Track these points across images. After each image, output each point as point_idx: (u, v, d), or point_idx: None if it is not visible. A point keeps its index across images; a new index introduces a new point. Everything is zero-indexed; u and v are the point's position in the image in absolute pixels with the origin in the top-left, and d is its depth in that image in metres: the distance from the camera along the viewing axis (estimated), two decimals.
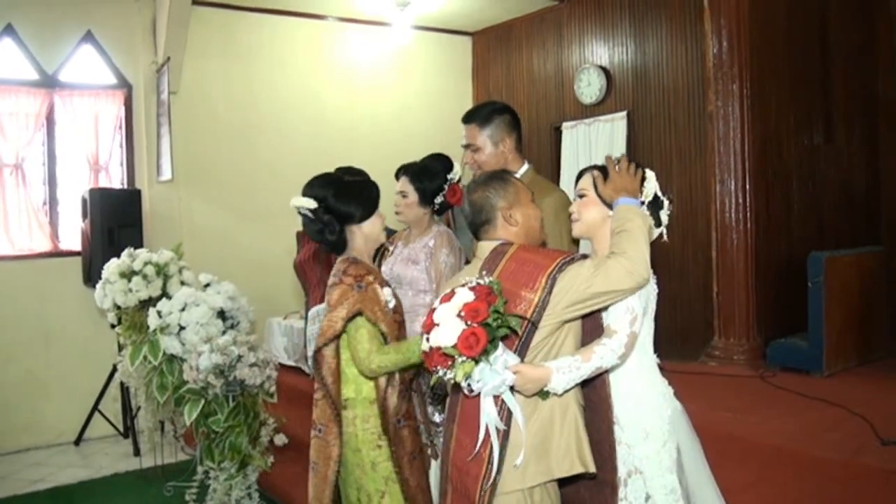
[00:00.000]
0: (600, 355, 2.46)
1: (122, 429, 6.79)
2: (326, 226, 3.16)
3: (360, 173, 3.46)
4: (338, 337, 3.01)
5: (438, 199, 3.89)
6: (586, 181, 2.75)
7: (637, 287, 2.42)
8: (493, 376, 2.32)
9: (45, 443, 6.72)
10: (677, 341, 6.36)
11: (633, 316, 2.51)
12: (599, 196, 2.68)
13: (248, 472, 4.43)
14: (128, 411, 6.61)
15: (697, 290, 6.57)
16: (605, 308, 2.52)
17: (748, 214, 5.95)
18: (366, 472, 3.07)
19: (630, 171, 2.64)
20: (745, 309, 5.94)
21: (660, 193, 2.73)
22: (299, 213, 3.24)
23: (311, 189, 3.21)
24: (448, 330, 2.28)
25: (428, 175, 3.88)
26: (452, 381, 2.37)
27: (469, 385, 2.36)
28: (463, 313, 2.28)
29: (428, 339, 2.33)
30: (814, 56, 6.59)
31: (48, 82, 6.89)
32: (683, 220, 6.65)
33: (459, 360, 2.26)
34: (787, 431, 4.32)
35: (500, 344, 2.32)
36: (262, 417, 4.47)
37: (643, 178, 2.69)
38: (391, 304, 3.10)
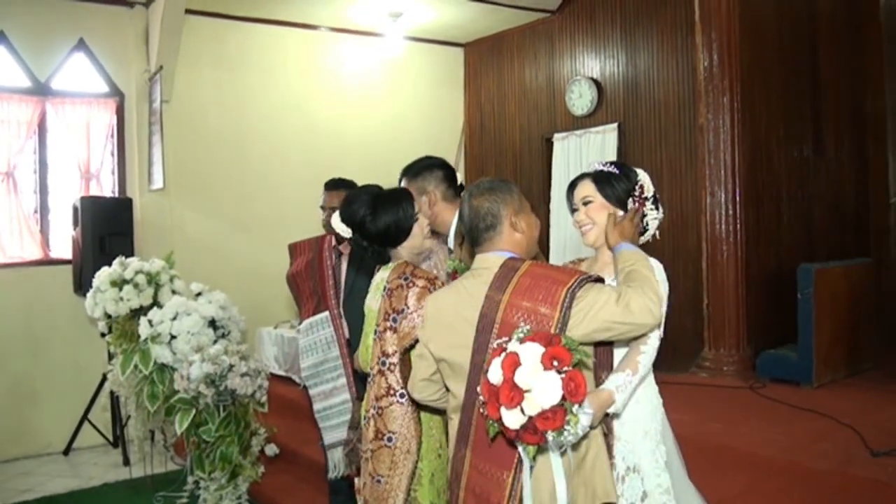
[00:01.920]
0: (644, 363, 2.48)
1: (111, 438, 6.76)
2: (367, 250, 3.11)
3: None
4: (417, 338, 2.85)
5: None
6: (588, 188, 2.75)
7: (654, 326, 2.37)
8: (584, 419, 2.14)
9: (34, 452, 6.68)
10: (667, 352, 6.34)
11: (662, 319, 2.52)
12: (606, 199, 2.72)
13: (238, 483, 4.41)
14: (118, 421, 6.58)
15: (688, 301, 6.59)
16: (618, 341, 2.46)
17: (738, 226, 5.99)
18: (423, 483, 2.92)
19: (636, 220, 2.69)
20: (735, 320, 5.97)
21: (653, 188, 2.81)
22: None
23: (345, 213, 3.11)
24: (546, 388, 2.05)
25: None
26: (569, 442, 2.15)
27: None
28: (554, 363, 2.07)
29: (523, 412, 2.07)
30: (803, 70, 6.65)
31: (40, 90, 6.89)
32: (674, 232, 6.68)
33: (574, 410, 2.06)
34: (778, 442, 4.34)
35: None
36: (253, 427, 4.47)
37: (636, 183, 2.74)
38: None
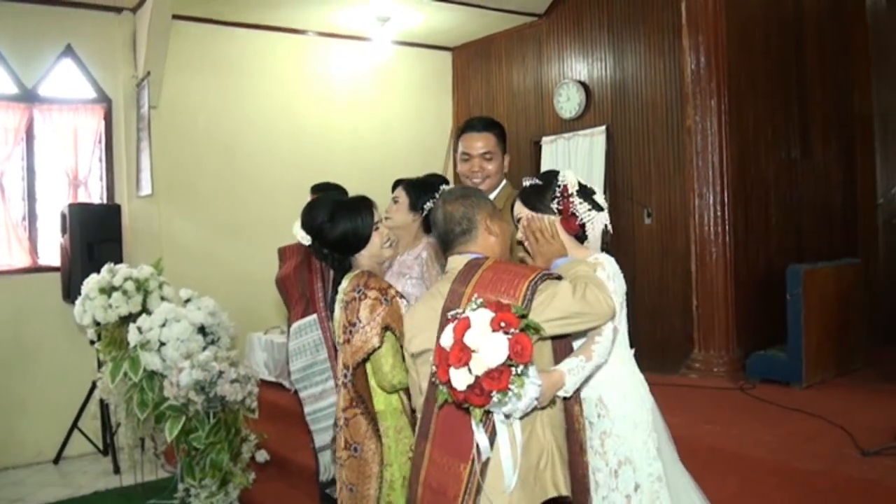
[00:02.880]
0: (599, 352, 2.50)
1: (101, 446, 6.72)
2: (327, 257, 3.14)
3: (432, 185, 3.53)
4: (374, 351, 2.91)
5: (428, 205, 3.96)
6: (517, 206, 2.86)
7: (608, 318, 2.46)
8: (531, 388, 2.20)
9: (24, 462, 6.64)
10: (657, 354, 6.39)
11: (616, 311, 2.56)
12: (534, 210, 2.80)
13: (229, 490, 4.41)
14: (107, 429, 6.55)
15: (677, 303, 6.60)
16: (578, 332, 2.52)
17: (727, 228, 6.00)
18: (395, 488, 2.95)
19: (547, 234, 2.73)
20: (724, 321, 5.99)
21: (583, 182, 2.82)
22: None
23: (304, 219, 3.18)
24: (492, 347, 2.13)
25: (424, 187, 3.95)
26: (516, 407, 2.21)
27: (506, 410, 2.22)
28: (501, 324, 2.15)
29: (470, 371, 2.14)
30: (790, 72, 6.67)
31: (27, 96, 6.86)
32: (662, 234, 6.69)
33: (517, 370, 2.13)
34: (768, 443, 4.35)
35: None
36: (244, 434, 4.46)
37: (557, 184, 2.77)
38: None
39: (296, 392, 4.75)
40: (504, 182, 3.58)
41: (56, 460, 6.70)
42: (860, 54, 7.26)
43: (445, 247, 2.66)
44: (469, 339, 2.17)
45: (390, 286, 3.01)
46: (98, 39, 7.13)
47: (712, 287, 6.02)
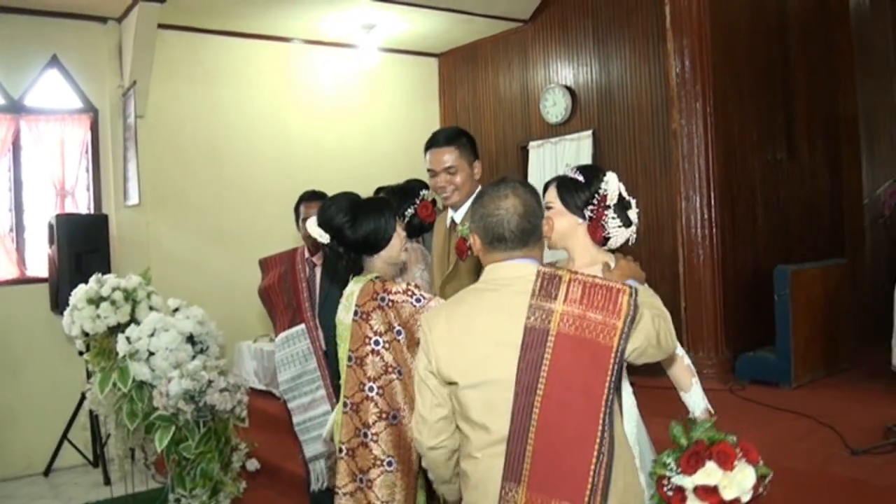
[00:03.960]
0: (689, 363, 2.71)
1: (91, 458, 6.69)
2: (342, 257, 2.99)
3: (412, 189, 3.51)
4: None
5: (409, 211, 3.97)
6: (551, 193, 2.77)
7: (671, 354, 2.48)
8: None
9: (14, 474, 6.60)
10: None
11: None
12: (564, 205, 2.72)
13: (220, 499, 4.38)
14: (97, 440, 6.51)
15: (665, 305, 6.59)
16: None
17: (714, 230, 6.03)
18: None
19: (630, 265, 2.69)
20: (713, 323, 6.01)
21: (625, 194, 2.76)
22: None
23: (324, 216, 2.98)
24: (741, 476, 2.21)
25: (404, 193, 3.96)
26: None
27: None
28: (733, 460, 2.22)
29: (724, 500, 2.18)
30: (775, 74, 6.71)
31: (14, 107, 6.83)
32: (650, 237, 6.71)
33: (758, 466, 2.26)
34: (758, 443, 4.35)
35: None
36: (234, 443, 4.44)
37: (597, 191, 2.71)
38: None
39: (285, 402, 4.74)
40: (479, 189, 3.57)
41: (46, 472, 6.66)
42: (844, 55, 7.31)
43: (503, 241, 2.23)
44: (722, 487, 2.17)
45: (411, 284, 2.90)
46: (84, 49, 7.11)
47: (700, 289, 6.04)
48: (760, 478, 2.18)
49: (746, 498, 2.16)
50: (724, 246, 6.07)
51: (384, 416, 2.83)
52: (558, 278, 2.13)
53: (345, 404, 2.90)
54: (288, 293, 4.68)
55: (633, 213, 2.78)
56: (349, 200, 3.00)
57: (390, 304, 2.81)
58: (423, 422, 2.29)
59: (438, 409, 2.25)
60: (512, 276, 2.21)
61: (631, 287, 2.12)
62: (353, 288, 2.94)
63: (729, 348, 6.03)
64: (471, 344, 2.18)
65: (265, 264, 4.92)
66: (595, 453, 2.02)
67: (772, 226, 6.57)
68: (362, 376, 2.85)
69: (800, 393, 5.49)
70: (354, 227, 2.90)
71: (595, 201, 2.71)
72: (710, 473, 2.15)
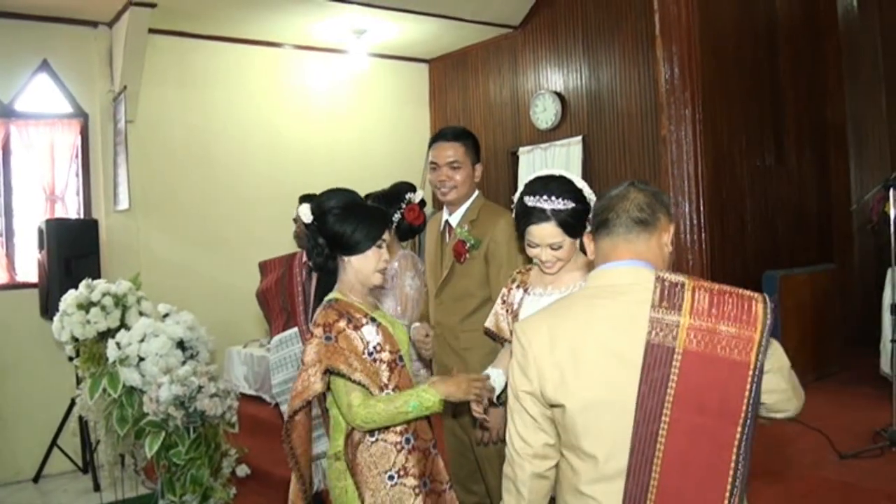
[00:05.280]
0: None
1: (81, 464, 6.67)
2: (316, 245, 2.80)
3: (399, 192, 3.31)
4: (315, 396, 2.64)
5: (395, 217, 3.97)
6: (553, 233, 2.65)
7: (796, 412, 2.10)
8: None
9: (3, 481, 6.58)
10: None
11: None
12: (572, 237, 2.67)
13: None
14: (87, 446, 6.49)
15: None
16: None
17: (703, 235, 6.05)
18: None
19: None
20: None
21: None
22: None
23: (318, 198, 2.85)
24: None
25: (390, 198, 3.96)
26: None
27: None
28: None
29: None
30: (764, 80, 6.74)
31: (4, 112, 6.82)
32: None
33: None
34: None
35: None
36: (224, 448, 4.44)
37: (588, 209, 2.64)
38: (373, 343, 2.69)
39: (276, 405, 4.74)
40: (477, 193, 3.57)
41: (35, 479, 6.64)
42: (833, 62, 7.36)
43: (609, 228, 2.00)
44: None
45: (342, 316, 2.69)
46: (74, 54, 7.11)
47: None
48: None
49: None
50: (713, 251, 6.09)
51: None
52: (681, 285, 1.90)
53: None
54: (283, 296, 4.69)
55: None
56: (352, 196, 2.87)
57: (309, 335, 2.69)
58: (525, 448, 1.99)
59: (541, 433, 1.98)
60: (626, 281, 1.94)
61: (763, 294, 1.90)
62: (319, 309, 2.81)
63: None
64: (582, 362, 1.91)
65: (264, 267, 4.93)
66: (728, 486, 1.79)
67: (761, 231, 6.60)
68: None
69: None
70: (338, 217, 2.74)
71: (589, 220, 2.70)
72: None
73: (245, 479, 4.90)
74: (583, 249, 2.75)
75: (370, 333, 2.70)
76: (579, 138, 7.54)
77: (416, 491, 2.67)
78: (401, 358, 2.77)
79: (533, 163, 7.98)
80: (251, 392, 6.84)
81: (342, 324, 2.66)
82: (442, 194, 3.50)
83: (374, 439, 2.70)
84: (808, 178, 7.12)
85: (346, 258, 2.77)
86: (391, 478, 2.67)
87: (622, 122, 7.20)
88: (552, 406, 1.94)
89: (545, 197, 2.63)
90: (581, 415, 1.89)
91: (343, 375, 2.60)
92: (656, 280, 1.90)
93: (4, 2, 6.55)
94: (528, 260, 3.04)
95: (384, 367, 2.70)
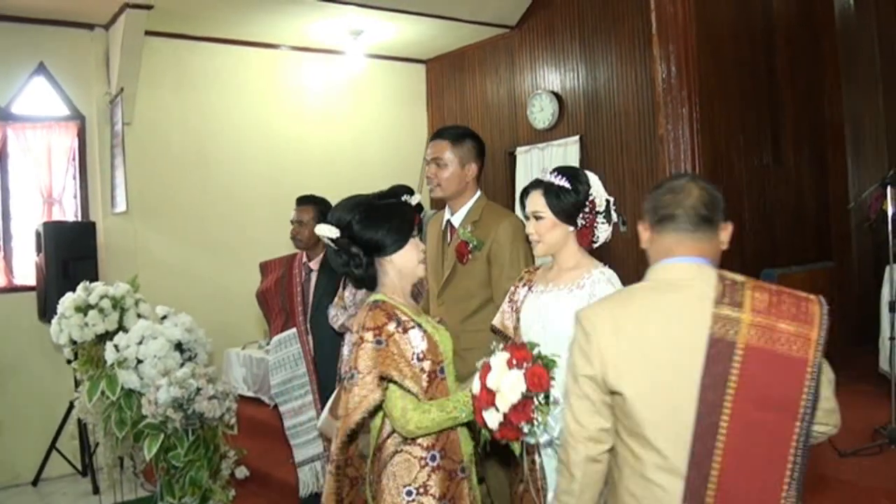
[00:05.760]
0: None
1: (80, 467, 6.66)
2: (352, 258, 2.66)
3: (395, 194, 3.15)
4: (375, 406, 2.49)
5: None
6: (538, 201, 2.77)
7: (833, 431, 2.09)
8: (556, 419, 2.25)
9: (2, 484, 6.57)
10: None
11: None
12: (556, 216, 2.73)
13: None
14: (86, 449, 6.48)
15: None
16: None
17: None
18: None
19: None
20: None
21: (606, 196, 2.80)
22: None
23: (334, 213, 2.70)
24: (510, 383, 2.21)
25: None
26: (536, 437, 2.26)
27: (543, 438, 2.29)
28: (514, 361, 2.23)
29: (497, 410, 2.22)
30: (761, 79, 6.74)
31: (0, 115, 6.81)
32: (637, 243, 6.71)
33: (539, 399, 2.20)
34: None
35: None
36: (223, 450, 4.43)
37: (587, 198, 2.75)
38: (418, 350, 2.59)
39: (275, 406, 4.74)
40: (479, 194, 3.57)
41: (35, 482, 6.63)
42: (830, 61, 7.35)
43: (671, 222, 2.08)
44: (490, 381, 2.24)
45: (391, 318, 2.56)
46: (71, 56, 7.10)
47: None
48: (528, 398, 2.20)
49: (506, 407, 2.22)
50: None
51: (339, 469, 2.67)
52: (741, 284, 1.98)
53: None
54: (283, 297, 4.70)
55: (613, 211, 2.82)
56: (364, 198, 2.77)
57: (360, 341, 2.54)
58: (580, 431, 2.00)
59: (598, 417, 1.99)
60: (688, 276, 2.01)
61: (818, 296, 1.97)
62: (360, 313, 2.69)
63: None
64: (644, 352, 1.95)
65: (265, 267, 4.95)
66: (787, 481, 1.85)
67: (758, 230, 6.59)
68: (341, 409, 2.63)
69: None
70: (364, 222, 2.63)
71: (586, 209, 2.73)
72: (497, 368, 2.25)
73: (244, 481, 4.90)
74: (590, 250, 2.76)
75: (416, 339, 2.60)
76: (576, 138, 7.54)
77: None
78: (442, 370, 2.66)
79: (530, 163, 7.97)
80: (250, 394, 6.83)
81: (392, 326, 2.55)
82: (430, 190, 3.52)
83: (397, 450, 2.60)
84: (806, 177, 7.12)
85: (385, 260, 2.66)
86: (409, 493, 2.55)
87: (619, 121, 7.20)
88: (612, 393, 1.96)
89: (547, 173, 2.77)
90: (643, 404, 1.92)
91: (395, 382, 2.50)
92: (718, 277, 1.97)
93: (0, 5, 6.54)
94: (532, 261, 3.05)
95: (424, 376, 2.58)
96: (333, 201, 4.89)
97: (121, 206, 7.01)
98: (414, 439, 2.57)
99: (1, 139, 6.84)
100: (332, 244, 2.68)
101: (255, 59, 8.12)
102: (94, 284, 5.23)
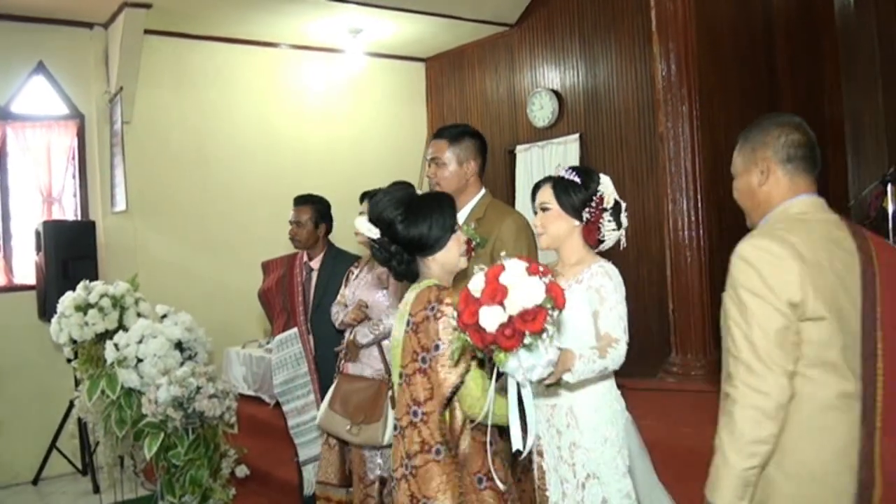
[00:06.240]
0: (612, 357, 2.50)
1: (80, 466, 6.66)
2: (394, 256, 2.62)
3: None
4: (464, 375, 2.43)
5: None
6: (547, 193, 2.79)
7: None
8: (552, 350, 2.11)
9: (2, 483, 6.57)
10: (635, 358, 6.39)
11: (625, 324, 2.61)
12: (562, 207, 2.74)
13: None
14: (86, 448, 6.48)
15: (654, 307, 6.64)
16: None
17: (701, 232, 6.05)
18: None
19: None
20: (700, 325, 6.02)
21: (617, 197, 2.81)
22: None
23: (375, 209, 2.63)
24: (531, 286, 2.03)
25: None
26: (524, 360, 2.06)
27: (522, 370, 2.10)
28: (540, 269, 2.06)
29: (505, 309, 2.02)
30: (761, 77, 6.74)
31: (0, 114, 6.81)
32: (637, 240, 6.73)
33: (553, 315, 2.03)
34: None
35: None
36: (223, 449, 4.43)
37: (594, 193, 2.75)
38: None
39: (276, 405, 4.74)
40: (483, 191, 3.56)
41: (35, 481, 6.63)
42: (830, 58, 7.35)
43: (810, 162, 2.24)
44: (505, 279, 2.06)
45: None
46: (70, 55, 7.09)
47: (688, 291, 6.06)
48: (544, 310, 2.03)
49: (517, 309, 2.03)
50: (711, 248, 6.09)
51: (426, 448, 2.46)
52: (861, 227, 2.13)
53: (395, 426, 2.61)
54: (284, 296, 4.70)
55: (624, 216, 2.83)
56: (404, 193, 2.68)
57: (439, 314, 2.46)
58: (771, 374, 1.96)
59: (786, 358, 1.97)
60: (823, 211, 2.16)
61: None
62: (408, 297, 2.62)
63: (717, 350, 6.02)
64: (824, 276, 2.00)
65: (267, 267, 4.95)
66: None
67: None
68: (409, 398, 2.50)
69: None
70: (407, 222, 2.57)
71: (593, 204, 2.73)
72: (514, 270, 2.09)
73: (244, 480, 4.88)
74: (592, 246, 2.76)
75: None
76: (576, 136, 7.53)
77: (504, 498, 2.51)
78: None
79: (530, 161, 7.98)
80: (250, 392, 6.83)
81: None
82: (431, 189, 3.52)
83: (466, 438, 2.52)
84: None
85: (429, 259, 2.62)
86: (479, 480, 2.48)
87: (619, 119, 7.19)
88: (806, 320, 1.98)
89: (562, 170, 2.82)
90: (834, 327, 1.97)
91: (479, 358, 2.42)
92: (837, 214, 2.13)
93: (0, 4, 6.53)
94: (535, 257, 3.04)
95: None
96: (333, 199, 4.91)
97: (120, 206, 7.00)
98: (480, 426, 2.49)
99: (0, 138, 6.84)
100: (372, 242, 2.65)
101: (254, 57, 8.11)
102: (93, 283, 5.22)
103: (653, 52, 6.28)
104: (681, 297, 6.10)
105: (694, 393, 5.64)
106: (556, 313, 2.06)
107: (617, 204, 2.80)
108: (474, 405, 2.41)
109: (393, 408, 2.71)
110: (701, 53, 6.09)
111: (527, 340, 2.03)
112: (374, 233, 2.61)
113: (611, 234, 2.79)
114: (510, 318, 2.02)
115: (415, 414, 2.47)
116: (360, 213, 3.90)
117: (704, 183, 6.07)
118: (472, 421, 2.46)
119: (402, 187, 2.80)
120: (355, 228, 2.67)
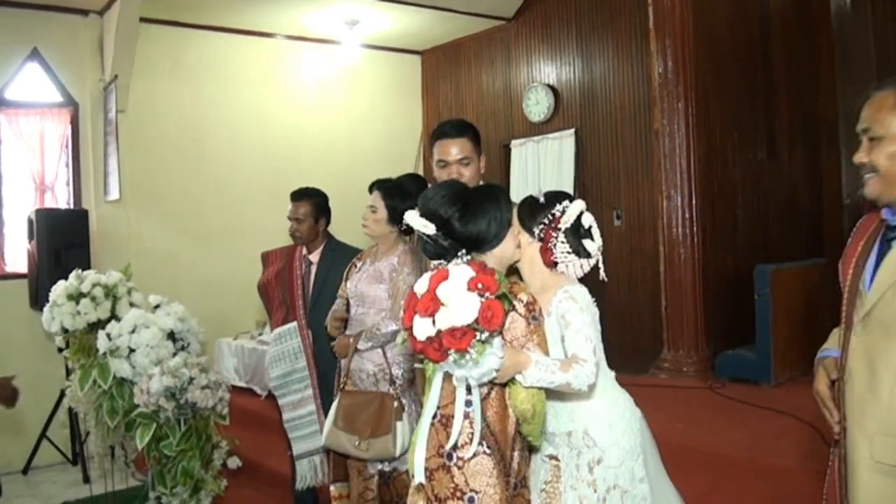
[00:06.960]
0: (576, 374, 2.35)
1: (71, 456, 6.64)
2: (448, 251, 2.50)
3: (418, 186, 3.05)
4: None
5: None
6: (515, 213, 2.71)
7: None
8: (491, 359, 2.12)
9: None
10: (627, 355, 6.43)
11: (593, 345, 2.47)
12: (521, 223, 2.66)
13: (201, 497, 4.36)
14: (77, 437, 6.47)
15: (646, 303, 6.65)
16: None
17: (695, 229, 6.06)
18: None
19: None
20: (693, 322, 6.04)
21: (587, 223, 2.65)
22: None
23: (428, 205, 2.53)
24: (463, 305, 2.05)
25: (401, 193, 3.86)
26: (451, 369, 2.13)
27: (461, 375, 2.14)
28: (479, 286, 2.07)
29: (434, 323, 2.06)
30: (757, 75, 6.75)
31: None
32: (631, 236, 6.74)
33: (480, 336, 2.05)
34: (739, 441, 4.40)
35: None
36: (215, 440, 4.42)
37: (551, 210, 2.64)
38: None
39: (268, 396, 4.72)
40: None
41: (25, 471, 6.61)
42: (825, 57, 7.36)
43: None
44: (441, 291, 2.09)
45: (533, 299, 2.47)
46: (65, 43, 7.05)
47: (681, 287, 6.08)
48: (473, 330, 2.06)
49: (445, 325, 2.08)
50: (704, 245, 6.11)
51: (472, 439, 2.38)
52: None
53: (434, 415, 2.48)
54: (283, 289, 4.68)
55: (591, 245, 2.65)
56: (459, 189, 2.60)
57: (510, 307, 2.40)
58: None
59: None
60: None
61: None
62: None
63: (709, 346, 6.07)
64: None
65: (266, 258, 4.93)
66: None
67: (752, 225, 6.61)
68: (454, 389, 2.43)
69: (779, 390, 5.53)
70: (464, 218, 2.49)
71: (546, 221, 2.63)
72: (455, 281, 2.13)
73: (236, 471, 4.88)
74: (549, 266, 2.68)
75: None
76: (572, 131, 7.53)
77: None
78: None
79: (525, 155, 7.97)
80: (242, 384, 6.82)
81: (539, 307, 2.48)
82: None
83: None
84: (800, 173, 7.14)
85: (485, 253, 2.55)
86: (514, 486, 2.47)
87: (615, 115, 7.19)
88: None
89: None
90: None
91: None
92: None
93: None
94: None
95: None
96: (329, 190, 4.88)
97: (114, 194, 6.97)
98: None
99: None
100: (426, 237, 2.55)
101: (250, 47, 8.08)
102: (86, 272, 5.20)
103: (649, 49, 6.29)
104: (674, 293, 6.12)
105: (685, 389, 5.66)
106: (485, 335, 2.08)
107: (578, 228, 2.64)
108: (526, 401, 2.37)
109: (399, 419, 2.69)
110: (697, 51, 6.10)
111: (451, 357, 2.09)
112: (430, 228, 2.51)
113: (565, 257, 2.62)
114: (438, 332, 2.07)
115: (468, 405, 2.37)
116: (370, 204, 3.88)
117: (699, 180, 6.08)
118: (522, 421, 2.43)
119: (422, 180, 2.73)
120: (405, 221, 2.55)
